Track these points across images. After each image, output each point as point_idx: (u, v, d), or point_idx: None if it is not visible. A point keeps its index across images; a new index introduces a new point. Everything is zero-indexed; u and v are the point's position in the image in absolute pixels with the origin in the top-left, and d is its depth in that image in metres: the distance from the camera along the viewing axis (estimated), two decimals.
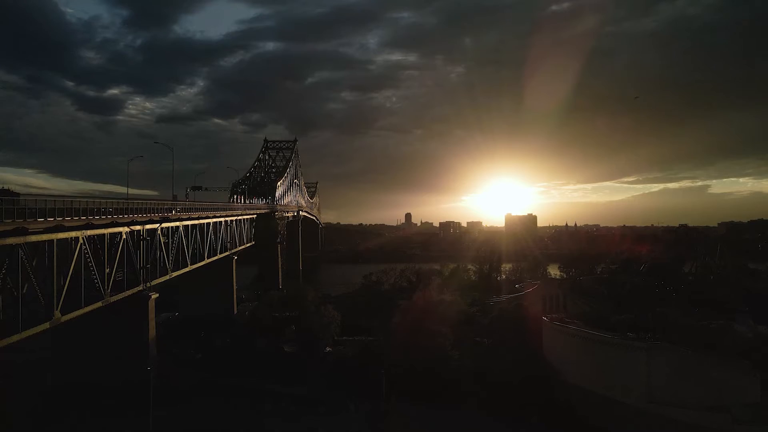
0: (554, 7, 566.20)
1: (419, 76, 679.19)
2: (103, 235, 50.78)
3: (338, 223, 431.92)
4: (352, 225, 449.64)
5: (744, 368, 47.31)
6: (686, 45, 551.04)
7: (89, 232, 46.81)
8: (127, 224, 54.83)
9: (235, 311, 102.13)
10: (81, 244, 45.34)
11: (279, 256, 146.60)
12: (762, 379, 46.48)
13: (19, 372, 63.13)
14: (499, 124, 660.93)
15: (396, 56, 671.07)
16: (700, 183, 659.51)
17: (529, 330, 63.99)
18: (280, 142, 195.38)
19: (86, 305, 47.48)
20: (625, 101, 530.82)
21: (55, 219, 40.82)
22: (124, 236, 54.64)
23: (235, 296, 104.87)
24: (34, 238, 38.89)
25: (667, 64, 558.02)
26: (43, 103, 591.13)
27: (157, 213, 62.68)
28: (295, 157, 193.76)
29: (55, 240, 41.42)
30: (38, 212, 39.07)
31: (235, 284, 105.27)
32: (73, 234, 43.89)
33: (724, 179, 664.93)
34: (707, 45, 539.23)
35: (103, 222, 49.32)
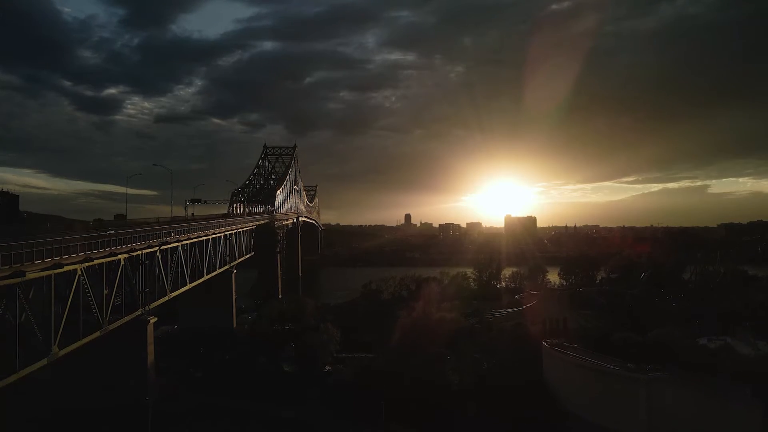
0: (554, 6, 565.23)
1: (418, 76, 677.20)
2: (102, 264, 50.56)
3: (338, 224, 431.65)
4: (351, 226, 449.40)
5: (743, 395, 47.12)
6: (686, 44, 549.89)
7: (87, 264, 46.57)
8: (126, 252, 54.63)
9: (234, 324, 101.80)
10: (79, 275, 45.10)
11: (279, 266, 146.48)
12: (763, 405, 46.22)
13: (15, 395, 62.51)
14: (498, 124, 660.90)
15: (395, 56, 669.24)
16: (699, 183, 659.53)
17: (529, 352, 63.89)
18: (280, 148, 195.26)
19: (84, 335, 47.18)
20: (625, 101, 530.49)
21: (53, 258, 40.49)
22: (123, 263, 54.43)
23: (234, 308, 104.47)
24: (31, 275, 38.64)
25: (667, 63, 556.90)
26: (41, 103, 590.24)
27: (156, 238, 62.46)
28: (294, 162, 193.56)
29: (53, 275, 41.16)
30: (35, 254, 38.71)
31: (234, 296, 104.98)
32: (71, 268, 43.65)
33: (724, 179, 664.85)
34: (707, 45, 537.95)
35: (102, 254, 49.06)
